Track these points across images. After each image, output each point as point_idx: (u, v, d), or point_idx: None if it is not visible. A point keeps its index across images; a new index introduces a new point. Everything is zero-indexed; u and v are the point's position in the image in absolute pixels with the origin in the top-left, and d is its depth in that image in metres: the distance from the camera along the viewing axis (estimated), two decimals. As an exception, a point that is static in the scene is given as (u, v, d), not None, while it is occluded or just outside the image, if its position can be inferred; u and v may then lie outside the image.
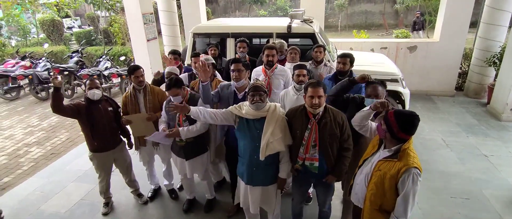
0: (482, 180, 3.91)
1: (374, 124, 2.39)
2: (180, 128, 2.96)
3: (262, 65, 3.68)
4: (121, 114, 3.41)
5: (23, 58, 9.16)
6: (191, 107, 2.60)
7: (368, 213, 2.15)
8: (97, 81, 3.21)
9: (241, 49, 4.09)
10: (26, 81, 7.76)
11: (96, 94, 3.14)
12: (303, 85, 2.98)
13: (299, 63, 3.31)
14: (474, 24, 7.29)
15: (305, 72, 3.02)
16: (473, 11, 6.27)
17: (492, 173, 4.06)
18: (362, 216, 2.24)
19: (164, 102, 3.18)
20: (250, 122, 2.55)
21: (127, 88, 7.20)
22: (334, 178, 2.61)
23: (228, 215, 3.47)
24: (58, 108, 2.99)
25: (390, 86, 4.45)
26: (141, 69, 3.34)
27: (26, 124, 6.54)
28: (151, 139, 3.08)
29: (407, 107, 4.87)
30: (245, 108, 2.57)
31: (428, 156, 4.44)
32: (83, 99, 3.22)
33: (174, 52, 4.16)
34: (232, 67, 2.93)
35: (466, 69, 7.07)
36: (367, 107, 2.30)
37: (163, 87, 3.50)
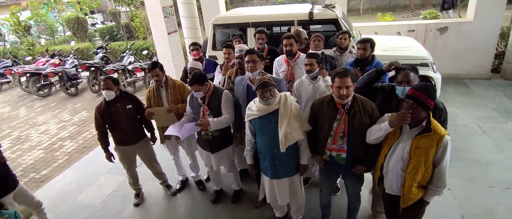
0: (524, 169, 3.70)
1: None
2: (210, 119, 2.98)
3: (283, 54, 3.62)
4: (145, 107, 3.48)
5: (52, 56, 9.59)
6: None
7: (409, 192, 2.22)
8: (110, 81, 3.23)
9: (259, 40, 4.00)
10: (56, 78, 8.20)
11: (109, 95, 3.20)
12: (312, 74, 2.96)
13: (310, 52, 3.22)
14: (511, 1, 6.76)
15: (313, 61, 2.92)
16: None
17: (535, 161, 3.82)
18: (402, 199, 2.27)
19: (188, 97, 3.21)
20: (264, 118, 2.54)
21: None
22: (364, 168, 2.57)
23: (255, 206, 3.50)
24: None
25: (420, 71, 4.15)
26: (157, 68, 3.33)
27: (59, 119, 6.90)
28: (181, 134, 3.05)
29: (438, 93, 4.64)
30: (256, 106, 2.57)
31: (463, 143, 4.23)
32: (102, 100, 3.34)
33: (194, 44, 4.17)
34: (246, 58, 2.94)
35: (503, 49, 6.63)
36: (383, 125, 2.23)
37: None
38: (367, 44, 3.20)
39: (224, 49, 3.76)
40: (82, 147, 5.49)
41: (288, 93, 2.60)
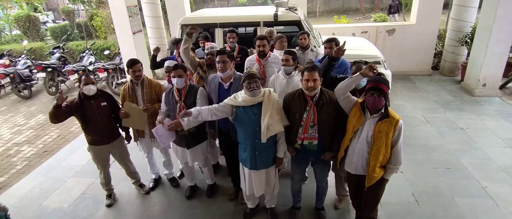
0: (460, 151, 4.26)
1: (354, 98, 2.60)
2: (181, 119, 2.98)
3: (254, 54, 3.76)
4: (120, 106, 3.42)
5: (0, 57, 8.90)
6: (190, 110, 2.68)
7: (373, 172, 2.49)
8: (92, 77, 3.23)
9: (231, 39, 4.13)
10: (7, 80, 7.60)
11: (92, 89, 3.17)
12: (288, 69, 3.18)
13: (287, 49, 3.48)
14: (446, 6, 7.69)
15: (289, 57, 3.17)
16: (446, -7, 6.68)
17: (469, 144, 4.42)
18: (367, 178, 2.54)
19: (163, 93, 3.25)
20: (247, 109, 2.68)
21: (113, 82, 7.23)
22: (331, 155, 2.82)
23: (230, 199, 3.62)
24: (57, 121, 3.15)
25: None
26: (139, 64, 3.37)
27: (12, 124, 6.45)
28: (157, 135, 3.11)
29: (389, 88, 5.14)
30: (241, 96, 2.69)
31: (411, 132, 4.74)
32: (76, 96, 3.24)
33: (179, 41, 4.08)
34: (217, 59, 3.01)
35: (441, 49, 7.50)
36: (355, 76, 2.49)
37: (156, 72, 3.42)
38: (332, 43, 3.50)
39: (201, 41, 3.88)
40: (42, 151, 5.22)
41: (271, 89, 2.76)
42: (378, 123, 2.39)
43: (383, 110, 2.39)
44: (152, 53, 4.34)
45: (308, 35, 4.16)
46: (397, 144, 2.43)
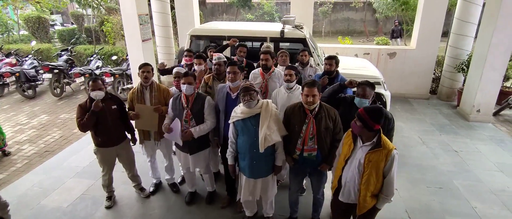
0: (453, 172, 4.39)
1: None
2: (192, 129, 3.15)
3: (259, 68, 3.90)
4: (127, 109, 3.50)
5: (7, 55, 8.96)
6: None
7: (364, 201, 2.45)
8: (100, 82, 3.27)
9: (241, 53, 4.26)
10: (13, 78, 7.64)
11: (98, 95, 3.22)
12: (291, 84, 3.33)
13: (289, 65, 3.62)
14: (445, 34, 7.95)
15: (292, 72, 3.30)
16: (445, 22, 6.92)
17: (461, 166, 4.55)
18: (358, 207, 2.50)
19: (171, 99, 3.34)
20: (246, 120, 2.78)
21: (118, 88, 7.36)
22: (327, 166, 2.94)
23: (222, 207, 3.68)
24: (87, 129, 3.28)
25: (373, 89, 4.84)
26: (150, 67, 3.50)
27: (14, 122, 6.45)
28: (169, 138, 3.26)
29: (388, 108, 5.31)
30: (240, 109, 2.81)
31: (407, 152, 4.86)
32: (87, 99, 3.32)
33: (189, 50, 4.32)
34: (228, 69, 3.15)
35: (439, 74, 7.71)
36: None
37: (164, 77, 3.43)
38: (333, 60, 3.71)
39: (195, 59, 3.99)
40: (43, 151, 5.23)
41: (270, 100, 2.87)
42: (369, 152, 2.33)
43: (375, 139, 2.33)
44: (158, 67, 4.42)
45: (308, 52, 4.32)
46: (389, 174, 2.33)
